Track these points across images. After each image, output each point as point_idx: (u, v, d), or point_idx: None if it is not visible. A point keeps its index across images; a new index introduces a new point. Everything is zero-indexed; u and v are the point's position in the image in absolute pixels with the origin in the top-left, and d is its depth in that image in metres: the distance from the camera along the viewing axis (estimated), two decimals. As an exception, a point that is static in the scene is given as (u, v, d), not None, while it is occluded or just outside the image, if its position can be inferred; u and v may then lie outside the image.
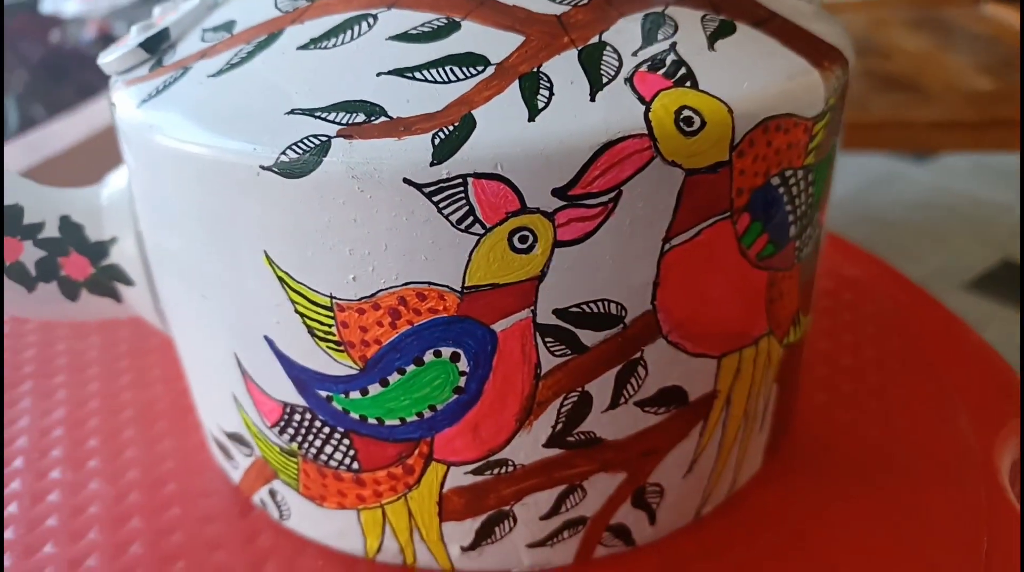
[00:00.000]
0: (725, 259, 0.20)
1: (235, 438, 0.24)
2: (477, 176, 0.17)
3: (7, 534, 0.25)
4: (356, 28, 0.19)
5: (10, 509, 0.26)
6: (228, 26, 0.21)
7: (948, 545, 0.23)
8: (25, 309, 0.25)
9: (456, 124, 0.17)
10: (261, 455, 0.23)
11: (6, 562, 0.24)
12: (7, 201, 0.23)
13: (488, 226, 0.17)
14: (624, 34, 0.19)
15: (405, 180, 0.17)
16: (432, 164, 0.17)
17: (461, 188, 0.17)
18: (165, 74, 0.21)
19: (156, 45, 0.22)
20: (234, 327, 0.21)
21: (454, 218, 0.17)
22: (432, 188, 0.17)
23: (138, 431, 0.29)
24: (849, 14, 1.35)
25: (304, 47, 0.19)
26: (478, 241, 0.17)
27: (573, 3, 0.19)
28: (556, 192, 0.17)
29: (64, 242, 0.24)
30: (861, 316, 0.34)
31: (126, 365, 0.32)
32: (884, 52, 1.16)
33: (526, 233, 0.17)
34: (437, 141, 0.17)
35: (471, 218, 0.17)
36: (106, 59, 0.22)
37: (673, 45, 0.19)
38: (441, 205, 0.17)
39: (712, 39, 0.19)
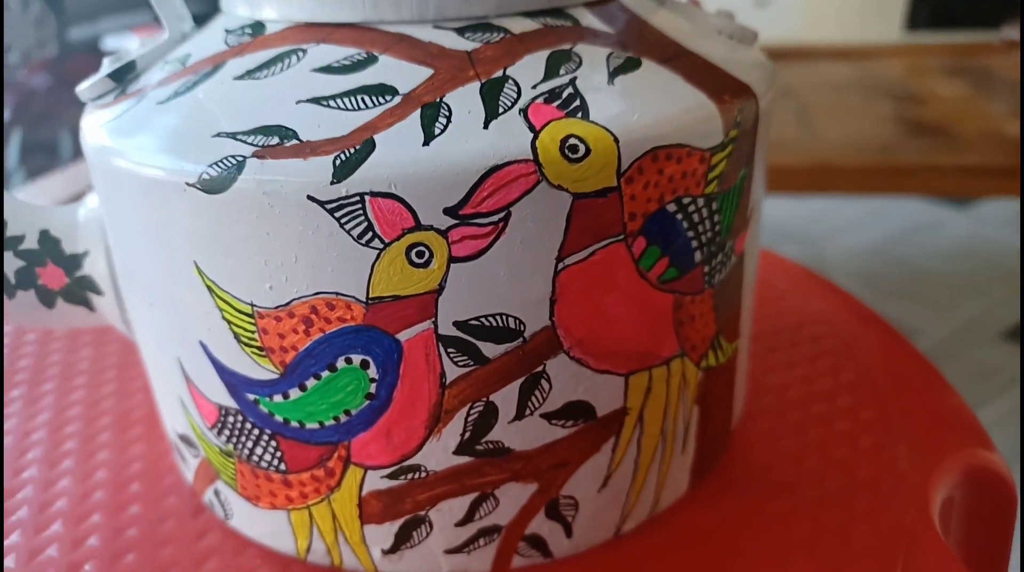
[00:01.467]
0: (622, 280, 0.21)
1: (185, 440, 0.26)
2: (373, 194, 0.18)
3: (-21, 524, 0.27)
4: (287, 61, 0.21)
5: (-14, 502, 0.28)
6: (184, 59, 0.23)
7: None
8: (7, 315, 0.27)
9: (357, 147, 0.18)
10: (205, 456, 0.25)
11: (-26, 549, 0.26)
12: (-8, 215, 0.26)
13: (387, 241, 0.19)
14: (528, 69, 0.20)
15: (309, 197, 0.18)
16: (332, 183, 0.18)
17: (359, 205, 0.18)
18: (125, 101, 0.23)
19: (123, 75, 0.24)
20: (176, 334, 0.23)
21: (355, 233, 0.19)
22: (333, 205, 0.18)
23: (113, 436, 0.31)
24: (888, 60, 1.35)
25: (239, 77, 0.21)
26: (378, 255, 0.19)
27: (485, 40, 0.21)
28: (448, 211, 0.19)
29: (42, 254, 0.26)
30: (819, 350, 0.34)
31: (112, 376, 0.34)
32: (919, 98, 1.16)
33: (422, 248, 0.19)
34: (338, 162, 0.18)
35: (370, 233, 0.19)
36: (81, 88, 0.24)
37: (573, 79, 0.20)
38: (342, 220, 0.19)
39: (614, 74, 0.21)
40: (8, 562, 0.25)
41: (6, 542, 0.26)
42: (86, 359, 0.36)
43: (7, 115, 1.75)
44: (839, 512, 0.26)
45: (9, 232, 0.26)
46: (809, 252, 1.42)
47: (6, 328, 0.39)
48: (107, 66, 0.24)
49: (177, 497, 0.28)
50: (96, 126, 0.23)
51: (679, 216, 0.21)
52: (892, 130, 1.01)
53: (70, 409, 0.32)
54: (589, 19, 0.23)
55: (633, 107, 0.20)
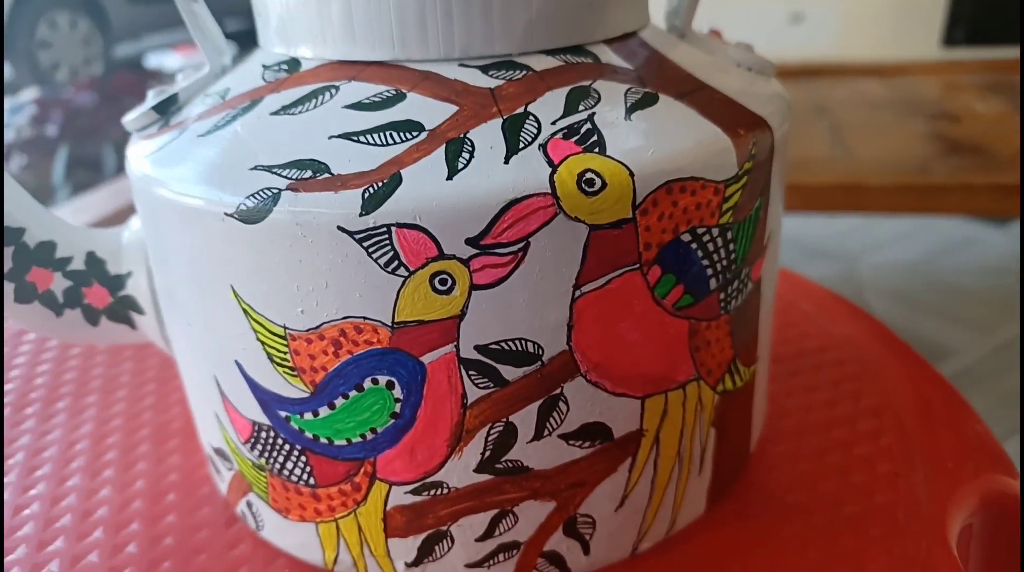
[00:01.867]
0: (638, 307, 0.22)
1: (219, 453, 0.27)
2: (399, 226, 0.19)
3: (25, 529, 0.28)
4: (320, 97, 0.22)
5: (32, 508, 0.29)
6: (223, 93, 0.24)
7: (877, 594, 0.24)
8: (54, 332, 0.28)
9: (385, 181, 0.20)
10: (239, 469, 0.26)
11: (23, 549, 0.27)
12: (43, 237, 0.27)
13: (411, 269, 0.20)
14: (548, 105, 0.21)
15: (339, 227, 0.19)
16: (361, 214, 0.19)
17: (386, 236, 0.19)
18: (168, 133, 0.24)
19: (166, 108, 0.25)
20: (212, 352, 0.24)
21: (382, 261, 0.20)
22: (361, 235, 0.19)
23: (151, 448, 0.32)
24: (923, 76, 1.34)
25: (275, 113, 0.22)
26: (404, 282, 0.20)
27: (508, 78, 0.22)
28: (469, 241, 0.19)
29: (88, 274, 0.28)
30: (842, 374, 0.35)
31: (151, 389, 0.36)
32: (954, 116, 1.15)
33: (445, 276, 0.20)
34: (367, 195, 0.19)
35: (396, 262, 0.20)
36: (127, 119, 0.26)
37: (591, 115, 0.21)
38: (370, 250, 0.20)
39: (631, 110, 0.22)
40: (52, 566, 0.27)
41: (52, 547, 0.28)
42: (127, 373, 0.37)
43: (54, 131, 1.81)
44: (854, 538, 0.26)
45: (58, 254, 0.27)
46: (842, 270, 1.41)
47: (52, 342, 0.40)
48: (151, 99, 0.26)
49: (211, 508, 0.29)
50: (140, 156, 0.24)
51: (694, 246, 0.22)
52: (927, 148, 1.00)
53: (111, 421, 0.34)
54: (608, 55, 0.23)
55: (648, 142, 0.21)
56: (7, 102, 2.05)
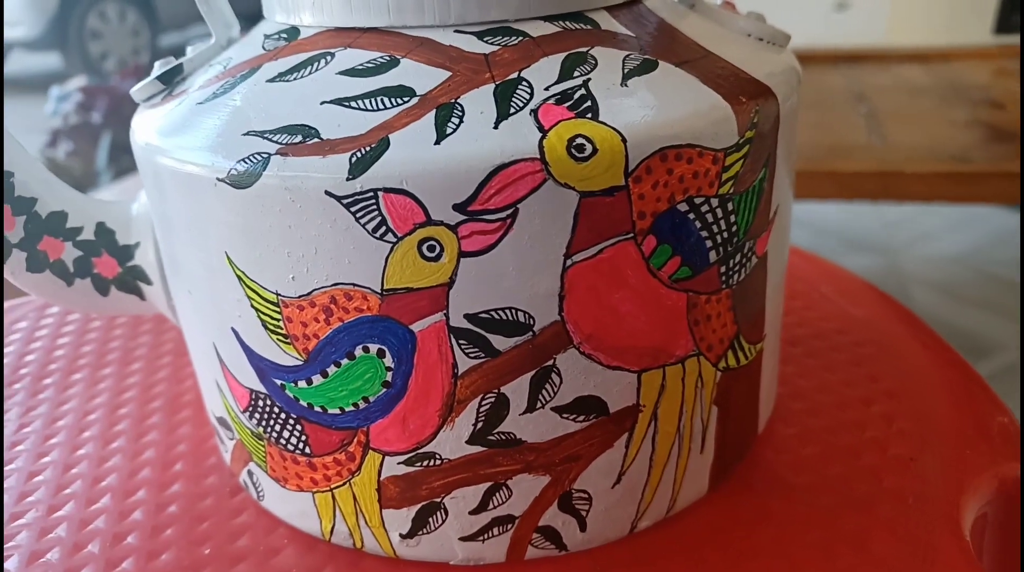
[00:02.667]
0: (632, 278, 0.21)
1: (222, 422, 0.27)
2: (386, 190, 0.19)
3: (37, 494, 0.29)
4: (315, 64, 0.22)
5: (45, 474, 0.30)
6: (226, 62, 0.25)
7: (880, 579, 0.23)
8: (66, 301, 0.29)
9: (373, 145, 0.19)
10: (239, 438, 0.26)
11: (34, 513, 0.28)
12: (55, 207, 0.28)
13: (399, 235, 0.20)
14: (543, 71, 0.21)
15: (326, 192, 0.19)
16: (348, 179, 0.19)
17: (373, 201, 0.19)
18: (171, 102, 0.24)
19: (170, 78, 0.26)
20: (212, 320, 0.24)
21: (370, 227, 0.20)
22: (349, 200, 0.19)
23: (163, 418, 0.33)
24: (966, 63, 1.30)
25: (271, 80, 0.22)
26: (392, 248, 0.20)
27: (503, 44, 0.22)
28: (457, 207, 0.19)
29: (98, 244, 0.28)
30: (859, 355, 0.34)
31: (167, 362, 0.36)
32: (998, 103, 1.11)
33: (433, 242, 0.20)
34: (354, 159, 0.19)
35: (384, 227, 0.20)
36: (134, 89, 0.26)
37: (586, 81, 0.21)
38: (358, 215, 0.19)
39: (628, 76, 0.21)
40: (59, 531, 0.27)
41: (60, 513, 0.28)
42: (144, 345, 0.38)
43: (99, 118, 1.85)
44: (860, 518, 0.25)
45: (69, 223, 0.28)
46: (886, 262, 1.38)
47: (74, 315, 0.41)
48: (157, 69, 0.26)
49: (217, 477, 0.29)
50: (144, 125, 0.24)
51: (691, 216, 0.21)
52: (968, 136, 0.97)
53: (126, 392, 0.34)
54: (610, 22, 0.23)
55: (643, 108, 0.20)
56: (56, 90, 2.10)
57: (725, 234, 0.22)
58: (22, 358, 0.38)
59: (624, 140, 0.19)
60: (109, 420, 0.33)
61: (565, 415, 0.22)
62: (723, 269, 0.23)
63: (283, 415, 0.24)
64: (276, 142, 0.20)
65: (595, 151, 0.19)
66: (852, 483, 0.27)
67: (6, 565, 0.26)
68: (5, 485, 0.30)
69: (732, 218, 0.22)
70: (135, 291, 0.29)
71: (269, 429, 0.24)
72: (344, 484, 0.24)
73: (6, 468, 0.31)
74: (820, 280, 0.39)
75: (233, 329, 0.23)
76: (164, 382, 0.35)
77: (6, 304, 0.43)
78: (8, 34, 3.09)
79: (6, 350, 0.39)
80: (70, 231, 0.28)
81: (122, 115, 1.89)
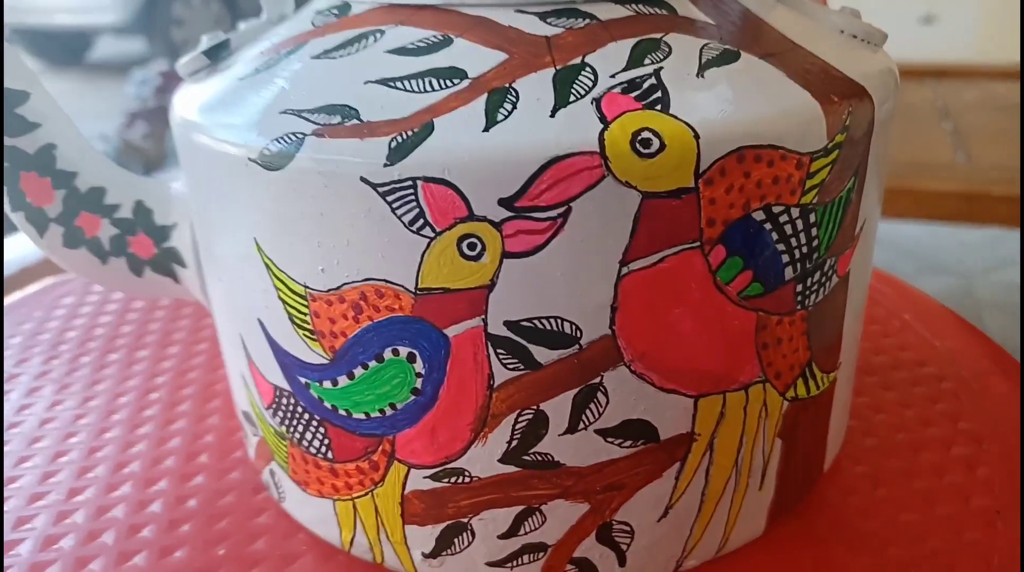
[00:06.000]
0: (696, 291, 0.19)
1: (247, 417, 0.26)
2: (426, 180, 0.17)
3: (59, 476, 0.28)
4: (364, 41, 0.20)
5: (72, 455, 0.29)
6: (273, 38, 0.23)
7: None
8: (101, 279, 0.28)
9: (415, 130, 0.18)
10: (263, 435, 0.25)
11: (54, 496, 0.27)
12: (94, 182, 0.27)
13: (438, 230, 0.18)
14: (610, 57, 0.19)
15: (362, 178, 0.18)
16: (385, 165, 0.17)
17: (411, 190, 0.17)
18: (213, 78, 0.23)
19: (217, 53, 0.24)
20: (240, 310, 0.23)
21: (406, 219, 0.18)
22: (385, 188, 0.18)
23: (192, 406, 0.32)
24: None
25: (317, 56, 0.21)
26: (429, 244, 0.18)
27: (568, 26, 0.20)
28: (503, 202, 0.17)
29: (135, 223, 0.27)
30: (939, 391, 0.31)
31: (203, 348, 0.35)
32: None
33: (474, 240, 0.18)
34: (394, 144, 0.17)
35: (422, 220, 0.18)
36: (179, 63, 0.25)
37: (658, 70, 0.19)
38: (394, 205, 0.18)
39: (705, 66, 0.19)
40: (77, 517, 0.26)
41: (81, 497, 0.27)
42: (183, 329, 0.37)
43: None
44: (938, 579, 0.22)
45: (107, 200, 0.27)
46: (960, 285, 1.31)
47: (118, 295, 0.41)
48: (204, 44, 0.25)
49: (240, 473, 0.28)
50: (183, 101, 0.23)
51: (767, 226, 0.19)
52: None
53: (160, 376, 0.34)
54: (688, 7, 0.21)
55: (721, 102, 0.18)
56: (138, 74, 2.16)
57: (804, 249, 0.20)
58: (63, 334, 0.37)
59: (696, 137, 0.17)
60: (139, 404, 0.32)
61: (610, 439, 0.20)
62: (799, 288, 0.20)
63: (306, 416, 0.22)
64: (313, 122, 0.19)
65: (663, 147, 0.17)
66: (927, 535, 0.24)
67: (20, 549, 0.25)
68: (31, 464, 0.29)
69: (813, 231, 0.20)
70: (170, 273, 0.28)
71: (292, 429, 0.23)
72: (366, 494, 0.22)
73: (35, 445, 0.30)
74: (901, 305, 0.36)
75: (260, 321, 0.22)
76: (198, 369, 0.34)
77: (54, 278, 0.43)
78: (95, 20, 3.19)
79: (49, 325, 0.38)
80: (108, 208, 0.27)
81: (196, 99, 1.93)
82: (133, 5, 3.15)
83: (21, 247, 0.61)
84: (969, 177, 0.83)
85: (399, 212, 0.18)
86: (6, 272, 0.55)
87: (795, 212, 0.19)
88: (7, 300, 0.41)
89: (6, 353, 0.36)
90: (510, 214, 0.17)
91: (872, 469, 0.27)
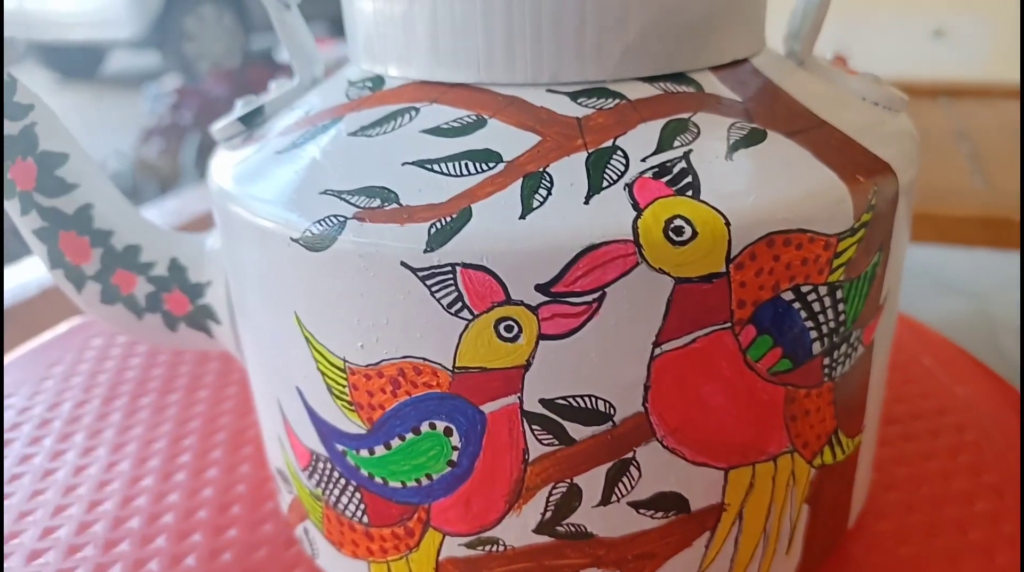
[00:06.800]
0: (727, 369, 0.19)
1: (281, 475, 0.26)
2: (465, 266, 0.18)
3: (97, 528, 0.29)
4: (399, 119, 0.21)
5: (105, 505, 0.30)
6: (307, 107, 0.24)
7: None
8: (136, 334, 0.28)
9: (454, 216, 0.18)
10: (297, 494, 0.25)
11: (91, 549, 0.28)
12: (130, 241, 0.27)
13: (476, 313, 0.18)
14: (639, 139, 0.19)
15: (402, 263, 0.18)
16: (426, 251, 0.18)
17: (451, 275, 0.18)
18: (250, 146, 0.24)
19: (251, 120, 0.25)
20: (277, 375, 0.23)
21: (445, 302, 0.18)
22: (425, 273, 0.18)
23: (224, 454, 0.32)
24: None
25: (353, 134, 0.21)
26: (467, 325, 0.18)
27: (598, 107, 0.20)
28: (539, 288, 0.18)
29: (170, 280, 0.28)
30: (962, 442, 0.31)
31: (232, 393, 0.36)
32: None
33: (511, 323, 0.18)
34: (433, 230, 0.18)
35: (460, 303, 0.18)
36: (214, 127, 0.26)
37: (687, 153, 0.19)
38: (433, 289, 0.18)
39: (734, 148, 0.19)
40: (116, 570, 0.27)
41: (117, 549, 0.28)
42: (212, 373, 0.38)
43: (188, 119, 1.91)
44: (965, 643, 0.23)
45: (143, 258, 0.27)
46: (975, 306, 1.30)
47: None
48: (239, 109, 0.25)
49: (273, 525, 0.29)
50: (220, 169, 0.24)
51: (796, 305, 0.19)
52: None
53: (190, 422, 0.34)
54: (714, 84, 0.21)
55: (751, 186, 0.18)
56: (153, 89, 2.18)
57: (832, 324, 0.20)
58: (94, 377, 0.38)
59: (728, 224, 0.18)
60: (171, 451, 0.32)
61: (642, 511, 0.21)
62: (826, 361, 0.21)
63: (343, 481, 0.23)
64: (354, 205, 0.19)
65: (695, 235, 0.18)
66: (954, 596, 0.24)
67: (59, 603, 0.26)
68: (68, 513, 0.30)
69: (840, 307, 0.20)
70: (204, 329, 0.28)
71: (328, 492, 0.23)
72: (401, 558, 0.23)
73: (72, 493, 0.31)
74: (921, 351, 0.36)
75: (298, 389, 0.22)
76: (229, 414, 0.35)
77: (81, 318, 0.44)
78: (108, 34, 3.23)
79: (80, 368, 0.39)
80: (144, 266, 0.27)
81: (211, 117, 1.95)
82: (146, 19, 3.19)
83: (21, 277, 0.62)
84: (989, 202, 0.83)
85: (438, 295, 0.18)
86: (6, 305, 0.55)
87: (823, 290, 0.20)
88: (37, 341, 0.42)
89: (39, 397, 0.37)
90: (546, 299, 0.18)
91: (895, 526, 0.27)
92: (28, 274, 0.60)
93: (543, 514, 0.20)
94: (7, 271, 0.61)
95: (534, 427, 0.19)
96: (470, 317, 0.18)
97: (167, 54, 3.27)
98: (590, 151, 0.19)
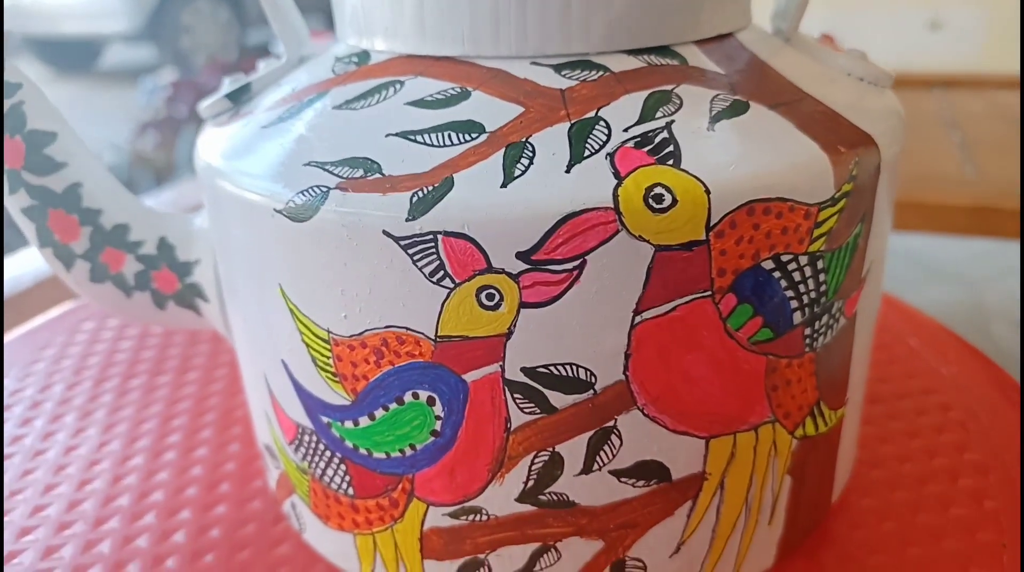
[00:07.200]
0: (707, 338, 0.19)
1: (269, 451, 0.26)
2: (446, 234, 0.18)
3: (86, 505, 0.29)
4: (384, 92, 0.21)
5: (96, 484, 0.30)
6: (294, 83, 0.24)
7: None
8: (125, 312, 0.29)
9: (436, 185, 0.18)
10: (284, 469, 0.25)
11: (78, 528, 0.28)
12: (118, 220, 0.27)
13: (457, 281, 0.18)
14: (622, 110, 0.19)
15: (384, 232, 0.18)
16: (407, 220, 0.18)
17: (432, 244, 0.18)
18: (236, 122, 0.24)
19: (239, 97, 0.25)
20: (263, 349, 0.23)
21: (427, 270, 0.18)
22: (407, 241, 0.18)
23: (213, 433, 0.32)
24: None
25: (338, 107, 0.21)
26: (449, 294, 0.19)
27: (582, 79, 0.20)
28: (520, 256, 0.18)
29: (158, 259, 0.28)
30: (946, 421, 0.31)
31: (221, 374, 0.36)
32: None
33: (492, 291, 0.18)
34: (415, 199, 0.18)
35: (442, 272, 0.18)
36: (202, 105, 0.26)
37: (669, 123, 0.19)
38: (415, 258, 0.18)
39: (716, 119, 0.19)
40: (103, 547, 0.27)
41: (107, 526, 0.28)
42: (202, 354, 0.38)
43: (184, 112, 1.90)
44: (945, 613, 0.23)
45: (131, 237, 0.28)
46: (968, 294, 1.31)
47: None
48: (226, 87, 0.25)
49: (261, 502, 0.29)
50: (207, 145, 0.24)
51: (776, 274, 0.19)
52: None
53: (180, 402, 0.34)
54: (699, 58, 0.21)
55: (731, 156, 0.19)
56: (150, 82, 2.18)
57: (812, 294, 0.20)
58: (85, 359, 0.38)
59: (708, 191, 0.18)
60: (161, 431, 0.33)
61: (624, 479, 0.21)
62: (808, 331, 0.21)
63: (328, 453, 0.23)
64: (337, 175, 0.19)
65: (675, 202, 0.18)
66: (933, 570, 0.24)
67: (48, 578, 0.26)
68: (58, 492, 0.30)
69: (821, 277, 0.20)
70: (192, 307, 0.28)
71: (314, 465, 0.23)
72: (386, 529, 0.23)
73: (62, 472, 0.31)
74: (908, 331, 0.37)
75: (283, 361, 0.22)
76: (218, 395, 0.35)
77: (73, 302, 0.44)
78: (104, 27, 3.22)
79: (71, 350, 0.39)
80: (132, 244, 0.27)
81: (206, 109, 1.94)
82: (142, 13, 3.18)
83: (17, 268, 0.62)
84: (978, 191, 0.83)
85: (420, 264, 0.18)
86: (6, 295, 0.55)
87: (803, 260, 0.20)
88: (28, 325, 0.42)
89: (30, 380, 0.37)
90: (527, 267, 0.18)
91: (879, 502, 0.27)
92: (24, 265, 0.60)
93: (525, 483, 0.21)
94: (6, 261, 0.61)
95: (516, 396, 0.20)
96: (452, 285, 0.18)
97: (163, 48, 3.26)
98: (573, 121, 0.19)
